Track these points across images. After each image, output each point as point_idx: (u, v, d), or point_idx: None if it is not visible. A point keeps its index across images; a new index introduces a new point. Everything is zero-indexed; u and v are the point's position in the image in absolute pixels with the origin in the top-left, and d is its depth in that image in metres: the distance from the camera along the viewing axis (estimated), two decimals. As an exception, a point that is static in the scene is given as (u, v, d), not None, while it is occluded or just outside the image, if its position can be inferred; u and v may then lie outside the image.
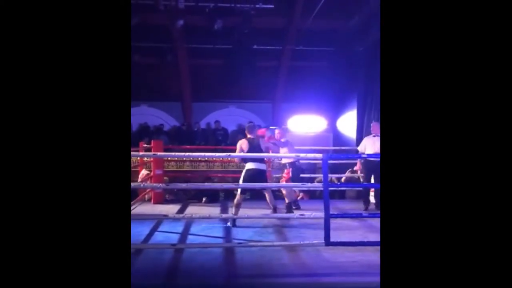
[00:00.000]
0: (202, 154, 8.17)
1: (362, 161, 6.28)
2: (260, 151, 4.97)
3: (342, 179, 7.92)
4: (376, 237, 4.26)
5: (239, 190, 5.04)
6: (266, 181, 5.24)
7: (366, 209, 6.13)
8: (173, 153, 7.49)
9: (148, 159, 7.40)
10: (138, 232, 4.41)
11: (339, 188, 7.74)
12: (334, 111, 10.33)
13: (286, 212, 5.49)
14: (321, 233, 3.82)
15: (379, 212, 5.42)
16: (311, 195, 8.03)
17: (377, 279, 3.13)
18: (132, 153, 3.72)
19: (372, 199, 7.22)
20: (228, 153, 5.25)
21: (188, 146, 8.71)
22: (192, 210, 6.22)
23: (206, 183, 6.94)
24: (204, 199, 6.99)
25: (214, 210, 6.18)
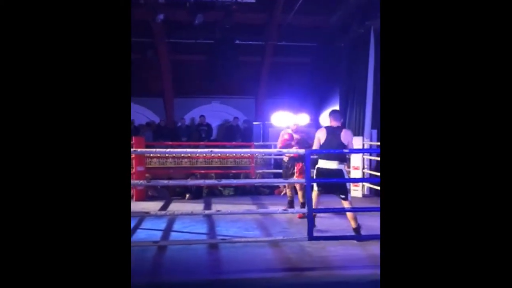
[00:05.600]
0: (184, 150, 8.12)
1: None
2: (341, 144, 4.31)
3: None
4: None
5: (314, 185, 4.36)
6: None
7: None
8: (153, 150, 7.39)
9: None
10: (120, 230, 4.36)
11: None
12: (316, 106, 10.38)
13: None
14: (304, 228, 3.85)
15: (361, 207, 5.52)
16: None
17: (358, 272, 3.20)
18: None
19: (353, 193, 7.31)
20: (210, 149, 5.16)
21: (170, 143, 8.62)
22: (175, 206, 6.18)
23: (188, 180, 6.90)
24: (187, 195, 6.96)
25: (197, 207, 6.16)
